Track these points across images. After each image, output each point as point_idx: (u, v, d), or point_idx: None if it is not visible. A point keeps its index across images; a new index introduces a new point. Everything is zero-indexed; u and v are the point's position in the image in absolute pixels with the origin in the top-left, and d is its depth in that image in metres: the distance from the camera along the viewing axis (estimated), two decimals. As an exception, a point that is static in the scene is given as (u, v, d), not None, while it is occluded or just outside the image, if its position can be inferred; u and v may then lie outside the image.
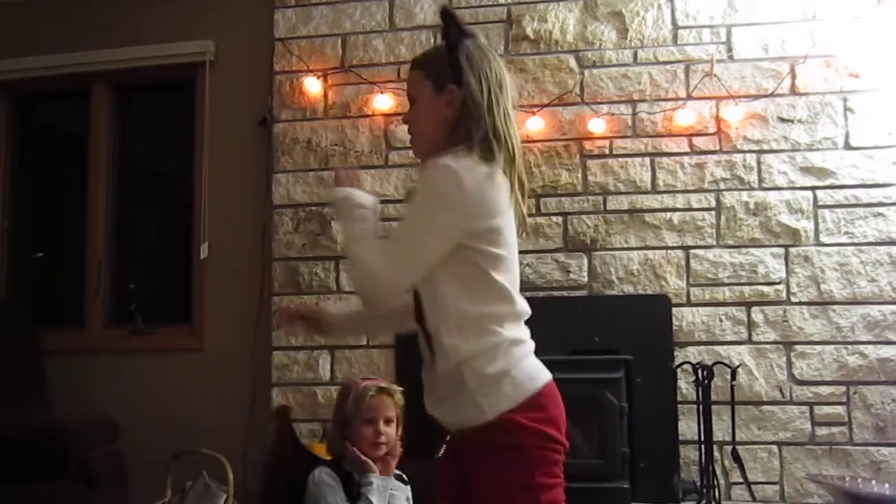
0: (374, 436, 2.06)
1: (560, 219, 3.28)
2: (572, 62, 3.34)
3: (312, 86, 3.46)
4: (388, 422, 2.09)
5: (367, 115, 3.44)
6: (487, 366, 1.41)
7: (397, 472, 2.11)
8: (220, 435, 3.35)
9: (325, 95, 3.48)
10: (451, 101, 1.48)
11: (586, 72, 3.33)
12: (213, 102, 3.68)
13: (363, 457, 2.04)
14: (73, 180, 3.89)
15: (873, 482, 2.89)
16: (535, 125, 3.30)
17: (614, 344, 3.10)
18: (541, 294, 3.25)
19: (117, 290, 3.82)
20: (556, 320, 3.19)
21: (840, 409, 3.05)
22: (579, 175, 3.29)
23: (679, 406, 3.06)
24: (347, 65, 3.46)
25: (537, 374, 1.47)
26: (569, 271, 3.25)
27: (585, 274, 3.24)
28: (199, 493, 3.09)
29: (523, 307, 1.51)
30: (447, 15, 1.51)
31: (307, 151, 3.46)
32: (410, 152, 3.33)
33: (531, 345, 1.51)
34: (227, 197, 3.63)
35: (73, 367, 3.55)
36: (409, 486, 2.13)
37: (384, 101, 3.40)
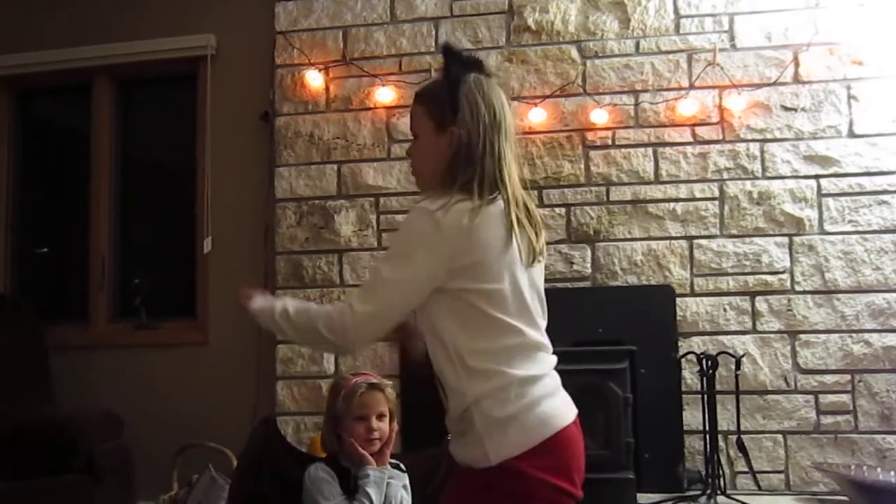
0: (367, 432, 2.05)
1: (563, 210, 3.27)
2: (574, 53, 3.33)
3: (314, 79, 3.45)
4: (380, 417, 2.08)
5: (369, 108, 3.43)
6: (496, 409, 1.38)
7: (393, 460, 2.11)
8: (225, 428, 3.36)
9: (327, 88, 3.47)
10: (450, 142, 1.48)
11: (588, 62, 3.32)
12: (214, 96, 3.68)
13: (360, 449, 2.03)
14: (75, 175, 3.89)
15: (879, 470, 2.90)
16: (537, 116, 3.29)
17: (618, 335, 3.10)
18: (545, 285, 3.24)
19: (121, 284, 3.83)
20: (559, 312, 3.15)
21: (845, 398, 3.05)
22: (582, 166, 3.28)
23: (683, 396, 3.06)
24: (349, 58, 3.45)
25: (552, 419, 1.40)
26: (572, 262, 3.25)
27: (589, 265, 3.24)
28: (205, 486, 3.10)
29: (535, 337, 1.46)
30: (448, 51, 1.51)
31: (309, 145, 3.46)
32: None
33: (550, 382, 1.46)
34: (229, 191, 3.63)
35: (77, 362, 3.56)
36: (406, 474, 2.13)
37: (386, 94, 3.40)
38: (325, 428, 2.13)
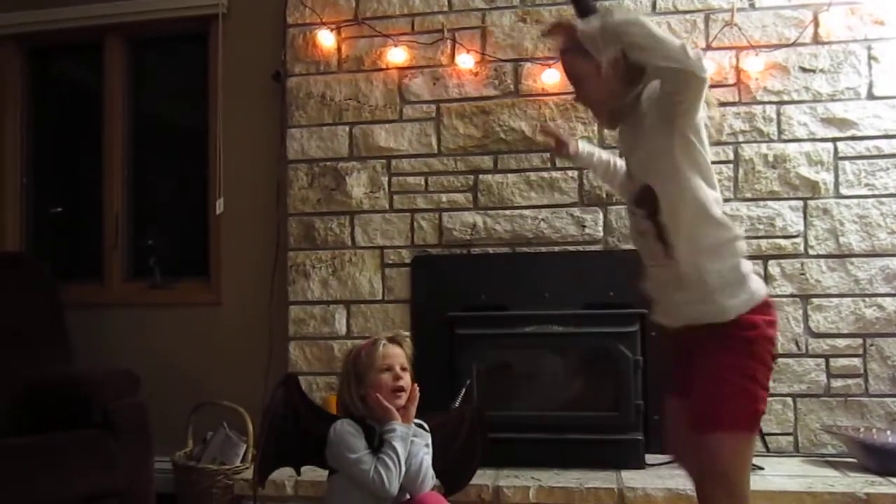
0: (394, 380, 2.09)
1: (575, 173, 3.25)
2: (589, 12, 3.27)
3: (326, 39, 3.42)
4: (403, 369, 2.12)
5: (381, 69, 3.40)
6: (726, 269, 1.60)
7: (417, 420, 2.14)
8: (238, 387, 3.42)
9: (339, 49, 3.44)
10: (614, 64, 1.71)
11: (603, 22, 3.26)
12: (226, 56, 3.66)
13: (386, 403, 2.06)
14: (88, 134, 3.90)
15: (888, 432, 2.91)
16: (551, 78, 3.25)
17: (629, 298, 3.09)
18: (556, 248, 3.25)
19: (135, 244, 3.86)
20: (571, 274, 3.19)
21: (856, 361, 3.05)
22: (595, 128, 3.25)
23: (694, 359, 3.06)
24: (361, 17, 3.41)
25: (761, 281, 1.66)
26: (584, 226, 3.24)
27: (601, 228, 3.23)
28: (220, 443, 3.17)
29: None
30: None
31: (321, 106, 3.44)
32: (424, 106, 3.34)
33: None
34: (241, 152, 3.63)
35: (92, 320, 3.60)
36: (429, 434, 2.16)
37: (398, 55, 3.36)
38: (346, 392, 2.12)
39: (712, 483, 1.56)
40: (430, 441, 2.14)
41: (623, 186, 1.85)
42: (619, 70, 1.65)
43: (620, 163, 1.98)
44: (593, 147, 2.14)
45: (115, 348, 3.56)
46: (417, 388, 2.14)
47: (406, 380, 2.11)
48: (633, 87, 1.68)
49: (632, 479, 2.77)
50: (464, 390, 2.63)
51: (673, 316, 1.69)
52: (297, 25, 3.47)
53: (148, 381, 3.00)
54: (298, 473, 2.21)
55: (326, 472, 2.14)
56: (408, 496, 2.07)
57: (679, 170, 1.62)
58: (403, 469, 2.02)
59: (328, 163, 3.42)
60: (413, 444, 2.08)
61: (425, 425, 2.17)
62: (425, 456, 2.10)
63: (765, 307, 1.62)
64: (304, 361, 3.37)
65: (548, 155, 3.27)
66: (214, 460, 3.13)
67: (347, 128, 3.42)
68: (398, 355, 2.14)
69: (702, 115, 1.63)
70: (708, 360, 1.58)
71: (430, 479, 2.10)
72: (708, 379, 1.57)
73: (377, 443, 2.05)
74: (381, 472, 1.98)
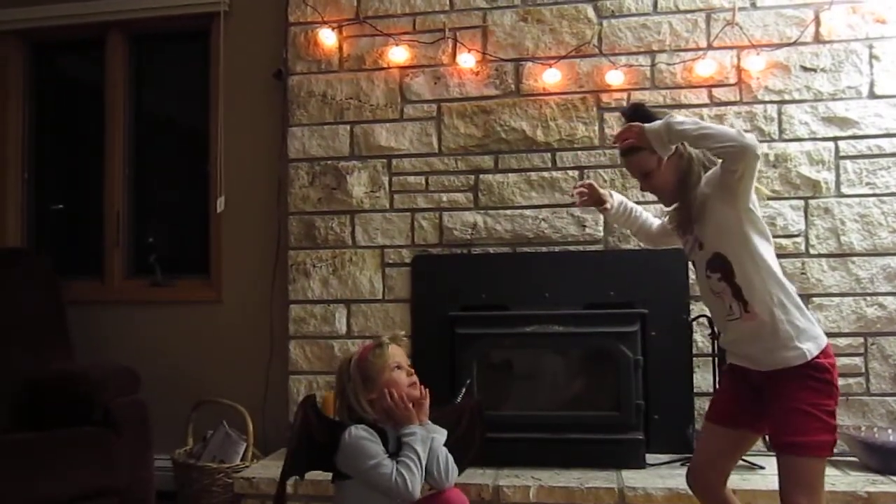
0: (409, 377, 2.09)
1: (576, 173, 3.25)
2: (590, 12, 3.28)
3: (327, 38, 3.42)
4: (410, 367, 2.13)
5: (383, 68, 3.40)
6: (795, 319, 1.89)
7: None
8: (238, 386, 3.43)
9: (340, 48, 3.44)
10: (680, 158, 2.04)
11: (604, 22, 3.27)
12: (227, 54, 3.66)
13: (407, 403, 2.04)
14: (89, 131, 3.90)
15: (889, 431, 2.91)
16: (552, 77, 3.25)
17: (630, 298, 3.11)
18: (556, 248, 3.24)
19: (136, 241, 3.86)
20: (571, 274, 3.19)
21: (857, 360, 3.05)
22: (596, 128, 3.25)
23: (694, 359, 3.07)
24: (362, 16, 3.41)
25: (819, 327, 1.95)
26: (584, 226, 3.24)
27: (601, 228, 3.23)
28: (220, 442, 3.17)
29: None
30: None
31: (322, 105, 3.44)
32: (425, 105, 3.34)
33: None
34: (242, 150, 3.64)
35: (93, 317, 3.61)
36: (445, 431, 2.15)
37: (399, 54, 3.36)
38: (353, 398, 2.07)
39: (801, 496, 1.84)
40: (444, 434, 2.14)
41: (689, 253, 2.11)
42: (682, 160, 2.00)
43: (641, 210, 2.36)
44: (622, 197, 2.37)
45: (116, 346, 3.56)
46: (426, 388, 2.14)
47: (415, 376, 2.12)
48: (690, 174, 2.01)
49: (632, 478, 2.76)
50: (464, 389, 2.63)
51: (756, 362, 1.95)
52: (299, 24, 3.47)
53: (148, 379, 3.00)
54: (302, 478, 2.19)
55: (329, 474, 2.12)
56: (428, 490, 2.06)
57: (749, 239, 1.92)
58: (424, 472, 2.01)
59: (329, 162, 3.42)
60: (434, 440, 2.07)
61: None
62: (447, 451, 2.09)
63: (828, 350, 1.91)
64: (304, 360, 3.37)
65: (548, 154, 3.27)
66: (214, 458, 3.13)
67: (348, 127, 3.42)
68: (403, 354, 2.15)
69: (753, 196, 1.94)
70: (793, 398, 1.86)
71: (454, 471, 2.09)
72: (796, 414, 1.85)
73: (393, 446, 2.03)
74: (404, 476, 1.95)
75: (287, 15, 3.48)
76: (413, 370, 2.13)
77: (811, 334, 1.90)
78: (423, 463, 2.00)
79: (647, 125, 1.95)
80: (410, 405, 2.05)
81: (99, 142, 3.85)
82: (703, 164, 2.01)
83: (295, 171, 3.44)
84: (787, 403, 1.87)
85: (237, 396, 3.29)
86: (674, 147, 1.97)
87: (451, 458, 2.09)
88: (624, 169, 3.18)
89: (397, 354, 2.12)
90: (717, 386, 2.89)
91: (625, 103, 3.21)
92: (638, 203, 2.40)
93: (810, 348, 1.88)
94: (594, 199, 2.32)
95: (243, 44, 3.65)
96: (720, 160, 1.92)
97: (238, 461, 3.11)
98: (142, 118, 3.92)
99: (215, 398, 3.28)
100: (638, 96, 3.20)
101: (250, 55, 3.64)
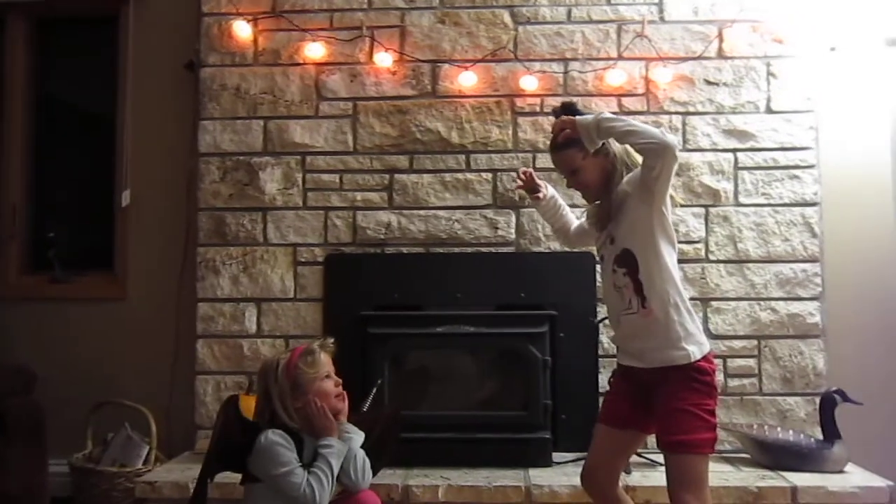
0: (336, 386, 2.09)
1: (490, 175, 3.30)
2: (507, 17, 3.33)
3: (242, 30, 3.35)
4: (338, 375, 2.12)
5: (299, 64, 3.36)
6: (686, 321, 1.99)
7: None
8: (142, 387, 3.33)
9: (255, 41, 3.38)
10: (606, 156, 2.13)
11: (520, 28, 3.32)
12: (137, 41, 3.54)
13: (330, 416, 2.04)
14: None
15: (779, 429, 3.07)
16: (468, 80, 3.29)
17: (540, 299, 3.17)
18: (469, 250, 3.28)
19: (34, 235, 3.69)
20: (483, 275, 3.24)
21: (751, 362, 3.20)
22: (510, 132, 3.31)
23: (600, 360, 3.16)
24: (278, 10, 3.36)
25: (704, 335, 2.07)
26: (497, 228, 3.29)
27: (513, 231, 3.29)
28: (121, 445, 3.07)
29: None
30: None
31: (235, 98, 3.37)
32: (341, 103, 3.32)
33: None
34: (150, 142, 3.53)
35: (-14, 315, 3.44)
36: (360, 431, 2.15)
37: (316, 50, 3.33)
38: (279, 405, 2.03)
39: (686, 492, 1.93)
40: (362, 436, 2.13)
41: (600, 248, 2.19)
42: (607, 160, 2.09)
43: (568, 209, 2.45)
44: (555, 192, 2.45)
45: (12, 344, 3.40)
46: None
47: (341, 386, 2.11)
48: (614, 173, 2.10)
49: (539, 476, 2.83)
50: (374, 390, 2.63)
51: (643, 359, 2.04)
52: (213, 14, 3.39)
53: (46, 380, 2.88)
54: (212, 480, 2.15)
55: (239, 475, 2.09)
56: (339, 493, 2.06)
57: (657, 240, 2.01)
58: (334, 486, 2.00)
59: (241, 157, 3.36)
60: (351, 440, 2.08)
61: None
62: (364, 454, 2.10)
63: (710, 356, 2.02)
64: (212, 360, 3.29)
65: (463, 156, 3.30)
66: (115, 462, 3.03)
67: (262, 122, 3.36)
68: (330, 362, 2.13)
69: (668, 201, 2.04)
70: (678, 398, 1.95)
71: (370, 474, 2.11)
72: (679, 414, 1.94)
73: (308, 456, 2.01)
74: (313, 487, 1.94)
75: (200, 4, 3.39)
76: (340, 379, 2.12)
77: (697, 339, 2.00)
78: (334, 477, 2.00)
79: (578, 118, 2.03)
80: (334, 421, 2.04)
81: (-3, 128, 3.66)
82: (625, 164, 2.10)
83: (206, 166, 3.36)
84: (672, 404, 1.96)
85: (141, 397, 3.19)
86: (601, 142, 2.04)
87: (367, 461, 2.10)
88: (537, 173, 3.26)
89: (328, 362, 2.11)
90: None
91: (538, 108, 3.29)
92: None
93: (695, 351, 1.97)
94: (530, 187, 2.40)
95: (154, 32, 3.54)
96: (642, 161, 2.00)
97: (140, 465, 3.02)
98: (43, 106, 3.74)
99: (118, 399, 3.17)
100: (551, 102, 3.26)
101: (161, 44, 3.53)
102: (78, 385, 3.35)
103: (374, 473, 2.18)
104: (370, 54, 3.34)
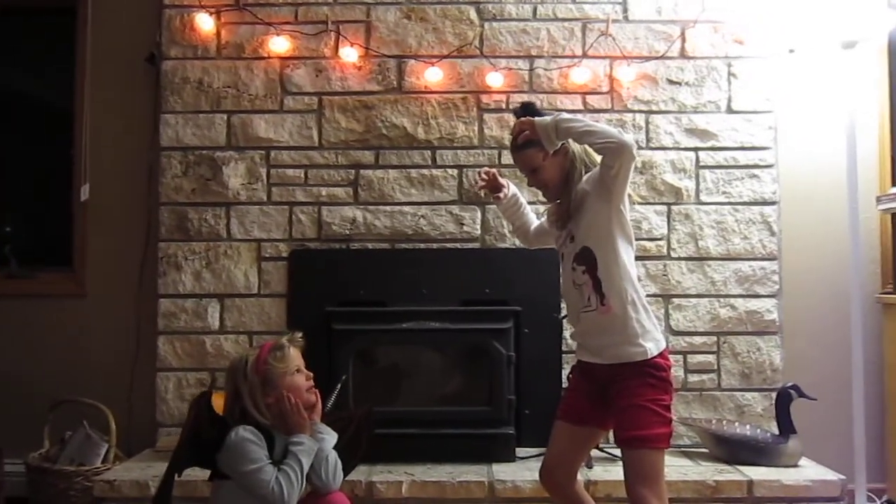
0: (307, 381, 2.08)
1: (455, 171, 3.31)
2: (473, 14, 3.33)
3: (204, 23, 3.31)
4: (308, 369, 2.11)
5: (263, 58, 3.33)
6: (643, 318, 2.02)
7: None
8: (102, 384, 3.27)
9: (218, 34, 3.33)
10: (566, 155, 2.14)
11: (486, 24, 3.33)
12: (97, 32, 3.48)
13: (303, 412, 2.02)
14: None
15: (736, 424, 3.14)
16: (434, 76, 3.29)
17: (504, 295, 3.19)
18: (434, 245, 3.29)
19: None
20: (448, 271, 3.24)
21: (711, 358, 3.26)
22: (476, 128, 3.31)
23: (564, 355, 3.18)
24: (242, 3, 3.32)
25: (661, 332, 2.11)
26: (462, 224, 3.30)
27: (479, 227, 3.30)
28: (79, 444, 3.02)
29: None
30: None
31: (198, 92, 3.32)
32: (306, 98, 3.30)
33: None
34: (111, 135, 3.47)
35: (-61, 312, 3.35)
36: (332, 430, 2.14)
37: (280, 44, 3.30)
38: (249, 401, 2.01)
39: (642, 486, 1.95)
40: (335, 437, 2.12)
41: (560, 247, 2.20)
42: (567, 159, 2.12)
43: (529, 209, 2.47)
44: (517, 191, 2.45)
45: (-35, 342, 3.32)
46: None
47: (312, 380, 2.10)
48: (573, 172, 2.12)
49: (502, 471, 2.85)
50: (339, 386, 2.62)
51: (601, 355, 2.06)
52: (174, 6, 3.33)
53: (2, 377, 2.82)
54: (179, 475, 2.12)
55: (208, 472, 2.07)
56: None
57: (615, 238, 2.04)
58: (304, 485, 1.99)
59: (204, 151, 3.31)
60: (324, 441, 2.06)
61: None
62: (335, 454, 2.08)
63: (666, 353, 2.05)
64: (173, 357, 3.25)
65: (429, 152, 3.30)
66: (73, 461, 2.98)
67: (225, 116, 3.32)
68: (300, 356, 2.11)
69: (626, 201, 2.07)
70: (634, 394, 1.98)
71: (341, 475, 2.09)
72: (636, 410, 1.97)
73: (279, 453, 2.00)
74: (282, 485, 1.92)
75: (162, -5, 3.34)
76: (311, 374, 2.11)
77: (653, 336, 2.03)
78: (304, 475, 1.99)
79: (537, 119, 2.05)
80: (307, 418, 2.03)
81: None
82: (585, 163, 2.13)
83: (167, 160, 3.31)
84: (628, 400, 1.99)
85: (100, 395, 3.13)
86: (560, 143, 2.06)
87: (339, 462, 2.09)
88: (502, 170, 3.27)
89: (297, 357, 2.09)
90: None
91: (504, 105, 3.31)
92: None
93: (651, 348, 2.01)
94: (492, 186, 2.40)
95: (114, 23, 3.48)
96: (601, 161, 2.03)
97: (98, 463, 2.97)
98: (-1, 95, 3.66)
99: (76, 397, 3.12)
100: (517, 99, 3.28)
101: (122, 36, 3.47)
102: (35, 383, 3.28)
103: (346, 474, 2.18)
104: (336, 49, 3.32)
